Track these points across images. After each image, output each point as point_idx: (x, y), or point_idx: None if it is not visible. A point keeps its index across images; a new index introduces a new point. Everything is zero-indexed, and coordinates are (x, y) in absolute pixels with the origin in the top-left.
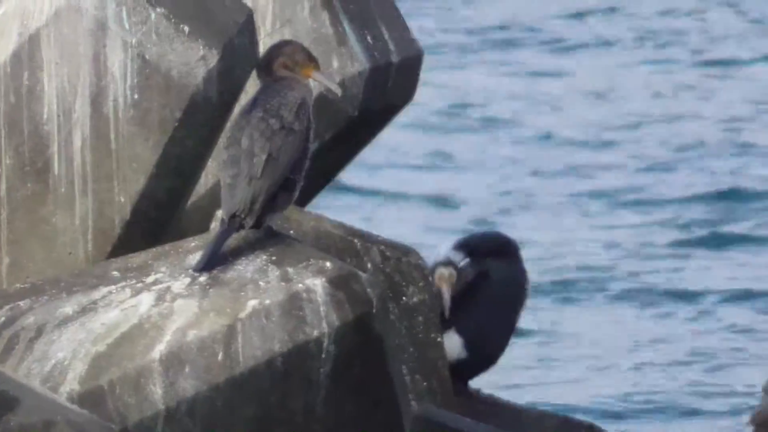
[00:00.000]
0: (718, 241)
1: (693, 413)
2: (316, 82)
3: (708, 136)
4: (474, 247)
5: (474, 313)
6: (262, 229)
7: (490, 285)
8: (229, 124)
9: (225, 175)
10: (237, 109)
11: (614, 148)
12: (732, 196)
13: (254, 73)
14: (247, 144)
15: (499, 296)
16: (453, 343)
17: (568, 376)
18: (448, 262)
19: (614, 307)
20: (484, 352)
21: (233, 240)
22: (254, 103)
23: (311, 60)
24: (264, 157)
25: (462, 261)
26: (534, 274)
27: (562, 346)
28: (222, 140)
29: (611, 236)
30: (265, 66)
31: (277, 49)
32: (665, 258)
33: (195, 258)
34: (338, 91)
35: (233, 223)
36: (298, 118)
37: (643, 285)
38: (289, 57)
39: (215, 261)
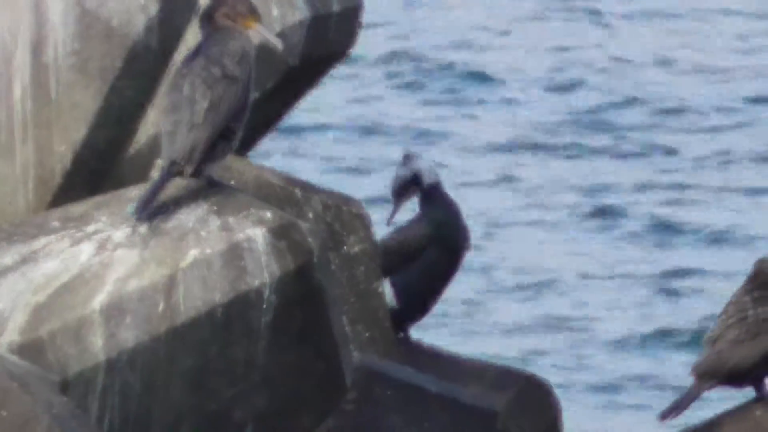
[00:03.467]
0: None
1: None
2: (256, 33)
3: None
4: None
5: (407, 265)
6: (202, 178)
7: (429, 241)
8: (170, 72)
9: (165, 121)
10: (178, 57)
11: None
12: None
13: (195, 23)
14: (189, 91)
15: (435, 253)
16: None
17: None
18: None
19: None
20: (414, 302)
21: (174, 189)
22: (196, 51)
23: (253, 12)
24: (205, 104)
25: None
26: None
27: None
28: (163, 88)
29: None
30: (207, 16)
31: (219, 0)
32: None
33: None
34: (279, 45)
35: (172, 169)
36: (240, 67)
37: None
38: (231, 8)
39: (152, 206)
